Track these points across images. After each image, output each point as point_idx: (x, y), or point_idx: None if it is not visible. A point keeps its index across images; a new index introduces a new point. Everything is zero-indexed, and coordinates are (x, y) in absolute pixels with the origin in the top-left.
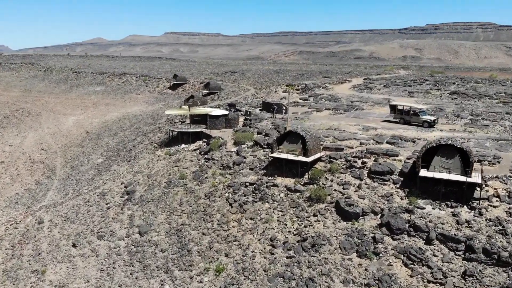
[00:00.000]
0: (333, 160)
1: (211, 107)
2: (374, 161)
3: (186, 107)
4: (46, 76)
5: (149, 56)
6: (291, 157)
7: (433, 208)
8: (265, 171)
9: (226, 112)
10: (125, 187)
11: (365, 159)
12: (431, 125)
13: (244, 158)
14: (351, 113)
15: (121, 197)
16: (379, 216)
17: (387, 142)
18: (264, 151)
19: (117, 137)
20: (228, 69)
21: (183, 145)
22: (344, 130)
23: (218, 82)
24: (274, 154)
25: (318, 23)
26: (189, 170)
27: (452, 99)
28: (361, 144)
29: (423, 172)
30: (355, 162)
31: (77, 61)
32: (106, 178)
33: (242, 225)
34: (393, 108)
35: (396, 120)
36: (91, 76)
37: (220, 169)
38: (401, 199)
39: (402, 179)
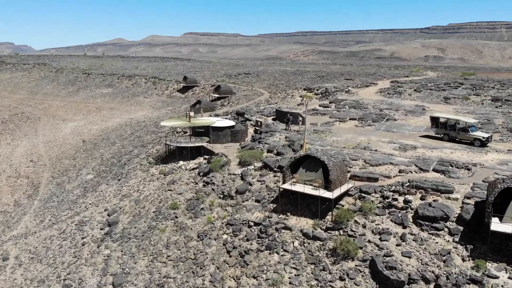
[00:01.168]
0: (365, 195)
1: (217, 115)
2: (421, 199)
3: (191, 114)
4: (56, 77)
5: (168, 56)
6: (308, 190)
7: (509, 277)
8: (274, 205)
9: (232, 123)
10: (108, 215)
11: (408, 196)
12: (483, 143)
13: (250, 185)
14: (382, 124)
15: (101, 229)
16: (433, 286)
17: (434, 170)
18: (274, 176)
19: (114, 148)
20: (242, 71)
21: (180, 162)
22: (376, 150)
23: (230, 85)
24: (286, 185)
25: (338, 23)
26: (183, 196)
27: (496, 107)
28: (400, 171)
29: (496, 225)
30: (395, 199)
31: (91, 61)
32: (90, 202)
33: (242, 286)
34: (435, 120)
35: (438, 135)
36: (101, 78)
37: (220, 197)
38: (463, 260)
39: (461, 228)
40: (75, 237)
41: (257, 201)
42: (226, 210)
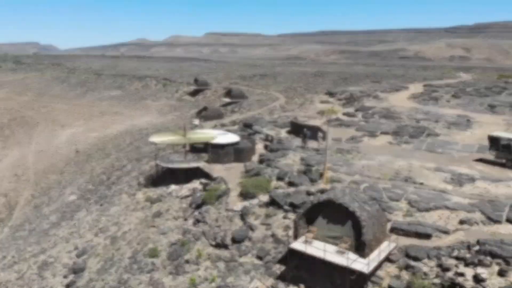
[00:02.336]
0: (414, 262)
1: (223, 124)
2: (500, 274)
3: (195, 122)
4: (66, 78)
5: (189, 56)
6: (331, 255)
7: None
8: (283, 267)
9: (237, 139)
10: (77, 256)
11: (480, 269)
12: None
13: (251, 229)
14: (422, 141)
15: (64, 277)
16: None
17: (509, 220)
18: (284, 218)
19: (108, 161)
20: (259, 72)
21: (172, 187)
22: (422, 183)
23: (243, 88)
24: (298, 244)
25: (360, 22)
26: (167, 238)
27: None
28: (461, 222)
29: None
30: (461, 274)
31: (105, 62)
32: (61, 235)
33: None
34: (495, 142)
35: (499, 161)
36: (111, 79)
37: (211, 244)
38: None
39: None
40: (32, 286)
41: (259, 257)
42: (217, 266)
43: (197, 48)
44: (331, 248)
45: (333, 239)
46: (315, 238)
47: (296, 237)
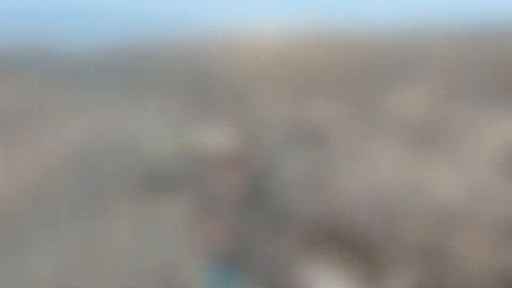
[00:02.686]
0: None
1: (223, 125)
2: None
3: (194, 126)
4: (67, 79)
5: (191, 55)
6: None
7: None
8: None
9: (231, 146)
10: (62, 272)
11: None
12: None
13: (250, 249)
14: (433, 143)
15: None
16: None
17: None
18: (285, 236)
19: (105, 165)
20: (259, 72)
21: (167, 194)
22: (437, 195)
23: (246, 88)
24: (301, 273)
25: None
26: (159, 255)
27: None
28: (486, 243)
29: None
30: None
31: (107, 63)
32: (48, 248)
33: None
34: None
35: None
36: (112, 80)
37: (206, 262)
38: None
39: None
40: None
41: (259, 282)
42: None
43: (200, 45)
44: (339, 276)
45: (340, 264)
46: (320, 262)
47: (297, 261)
